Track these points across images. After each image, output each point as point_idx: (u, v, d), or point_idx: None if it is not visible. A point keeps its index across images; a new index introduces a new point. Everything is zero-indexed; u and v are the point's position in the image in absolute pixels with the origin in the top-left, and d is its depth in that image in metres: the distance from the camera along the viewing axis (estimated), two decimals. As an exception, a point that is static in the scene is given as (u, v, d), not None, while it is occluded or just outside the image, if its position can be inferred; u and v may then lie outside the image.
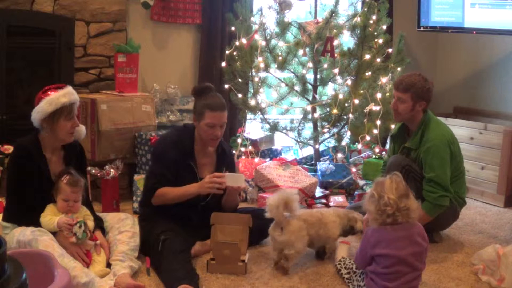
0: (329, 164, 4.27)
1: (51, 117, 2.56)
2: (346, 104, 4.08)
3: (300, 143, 4.53)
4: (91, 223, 2.64)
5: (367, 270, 2.41)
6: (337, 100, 4.07)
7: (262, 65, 4.20)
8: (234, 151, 4.09)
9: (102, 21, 4.03)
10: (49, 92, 2.59)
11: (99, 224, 2.71)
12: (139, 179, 3.62)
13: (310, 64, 4.28)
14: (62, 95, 2.58)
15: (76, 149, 2.78)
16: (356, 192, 4.02)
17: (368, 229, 2.42)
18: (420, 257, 2.35)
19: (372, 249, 2.33)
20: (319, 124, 4.35)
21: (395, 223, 2.30)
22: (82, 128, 2.73)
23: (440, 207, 3.00)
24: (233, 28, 4.34)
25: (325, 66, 4.27)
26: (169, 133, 3.03)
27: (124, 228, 2.69)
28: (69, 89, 2.63)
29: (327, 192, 4.04)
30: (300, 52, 4.18)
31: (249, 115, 4.50)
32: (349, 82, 4.12)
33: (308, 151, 4.68)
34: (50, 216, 2.54)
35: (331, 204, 3.82)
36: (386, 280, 2.30)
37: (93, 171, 3.49)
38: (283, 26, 4.21)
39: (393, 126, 3.84)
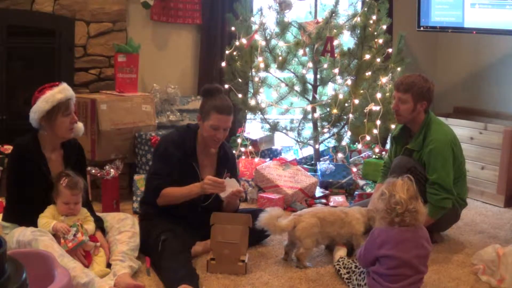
0: (329, 164, 4.27)
1: (49, 115, 2.57)
2: (346, 104, 4.08)
3: (300, 143, 4.53)
4: (91, 225, 2.64)
5: (369, 270, 2.42)
6: (337, 100, 4.07)
7: (262, 65, 4.20)
8: (234, 151, 4.09)
9: (102, 21, 4.03)
10: (44, 91, 2.60)
11: (100, 224, 2.71)
12: (139, 179, 3.62)
13: (310, 64, 4.29)
14: (58, 92, 2.59)
15: (75, 148, 2.78)
16: (356, 192, 4.02)
17: (374, 229, 2.42)
18: (424, 261, 2.36)
19: (378, 250, 2.33)
20: (319, 124, 4.35)
21: (403, 224, 2.31)
22: (80, 125, 2.73)
23: (442, 209, 3.00)
24: (233, 28, 4.33)
25: (325, 66, 4.27)
26: (171, 133, 3.03)
27: (124, 228, 2.69)
28: (64, 85, 2.64)
29: (327, 192, 4.04)
30: (300, 52, 4.18)
31: (249, 115, 4.50)
32: (349, 82, 4.12)
33: (308, 151, 4.68)
34: (47, 219, 2.53)
35: (331, 204, 3.82)
36: (389, 282, 2.30)
37: (93, 171, 3.49)
38: (283, 26, 4.21)
39: (393, 126, 3.83)
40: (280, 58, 4.20)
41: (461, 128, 4.21)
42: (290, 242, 2.86)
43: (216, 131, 2.85)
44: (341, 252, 2.80)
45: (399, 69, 4.25)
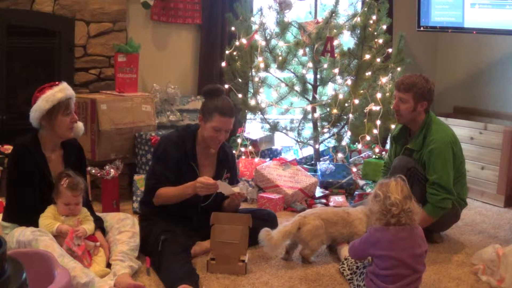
0: (329, 164, 4.27)
1: (49, 114, 2.57)
2: (346, 104, 4.08)
3: (300, 143, 4.53)
4: (90, 224, 2.63)
5: (366, 271, 2.42)
6: (337, 100, 4.07)
7: (262, 65, 4.20)
8: (234, 151, 4.09)
9: (102, 21, 4.03)
10: (44, 90, 2.60)
11: (99, 224, 2.71)
12: (139, 179, 3.62)
13: (310, 64, 4.29)
14: (58, 91, 2.59)
15: (75, 148, 2.78)
16: (356, 192, 4.02)
17: (371, 227, 2.43)
18: (421, 259, 2.36)
19: (372, 247, 2.34)
20: (319, 124, 4.35)
21: (398, 224, 2.31)
22: (80, 125, 2.73)
23: (442, 210, 3.00)
24: (233, 28, 4.34)
25: (325, 66, 4.27)
26: (171, 133, 3.03)
27: (124, 228, 2.69)
28: (64, 85, 2.64)
29: (327, 192, 4.03)
30: (300, 52, 4.19)
31: (249, 115, 4.50)
32: (349, 82, 4.12)
33: (308, 151, 4.68)
34: (50, 220, 2.53)
35: (331, 204, 3.82)
36: (386, 282, 2.30)
37: (93, 171, 3.49)
38: (283, 26, 4.21)
39: (393, 126, 3.83)
40: (280, 58, 4.20)
41: (461, 128, 4.21)
42: (291, 242, 2.86)
43: (218, 132, 2.84)
44: (345, 251, 2.80)
45: (399, 69, 4.25)
